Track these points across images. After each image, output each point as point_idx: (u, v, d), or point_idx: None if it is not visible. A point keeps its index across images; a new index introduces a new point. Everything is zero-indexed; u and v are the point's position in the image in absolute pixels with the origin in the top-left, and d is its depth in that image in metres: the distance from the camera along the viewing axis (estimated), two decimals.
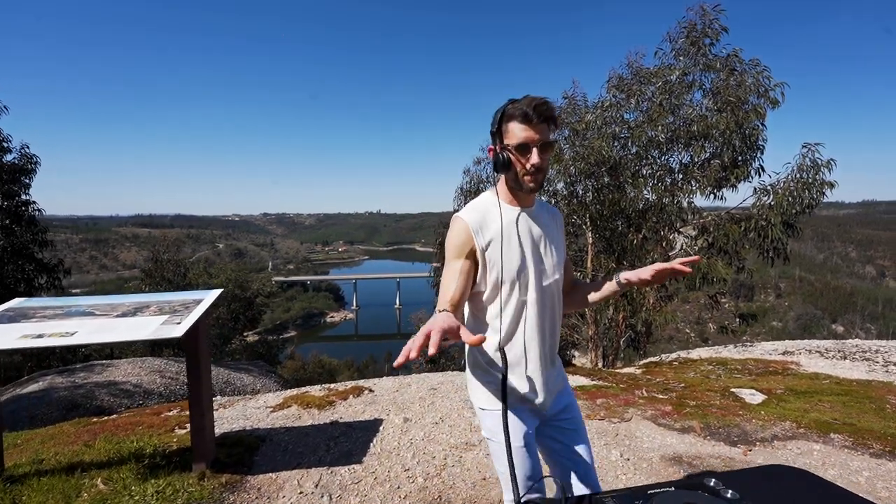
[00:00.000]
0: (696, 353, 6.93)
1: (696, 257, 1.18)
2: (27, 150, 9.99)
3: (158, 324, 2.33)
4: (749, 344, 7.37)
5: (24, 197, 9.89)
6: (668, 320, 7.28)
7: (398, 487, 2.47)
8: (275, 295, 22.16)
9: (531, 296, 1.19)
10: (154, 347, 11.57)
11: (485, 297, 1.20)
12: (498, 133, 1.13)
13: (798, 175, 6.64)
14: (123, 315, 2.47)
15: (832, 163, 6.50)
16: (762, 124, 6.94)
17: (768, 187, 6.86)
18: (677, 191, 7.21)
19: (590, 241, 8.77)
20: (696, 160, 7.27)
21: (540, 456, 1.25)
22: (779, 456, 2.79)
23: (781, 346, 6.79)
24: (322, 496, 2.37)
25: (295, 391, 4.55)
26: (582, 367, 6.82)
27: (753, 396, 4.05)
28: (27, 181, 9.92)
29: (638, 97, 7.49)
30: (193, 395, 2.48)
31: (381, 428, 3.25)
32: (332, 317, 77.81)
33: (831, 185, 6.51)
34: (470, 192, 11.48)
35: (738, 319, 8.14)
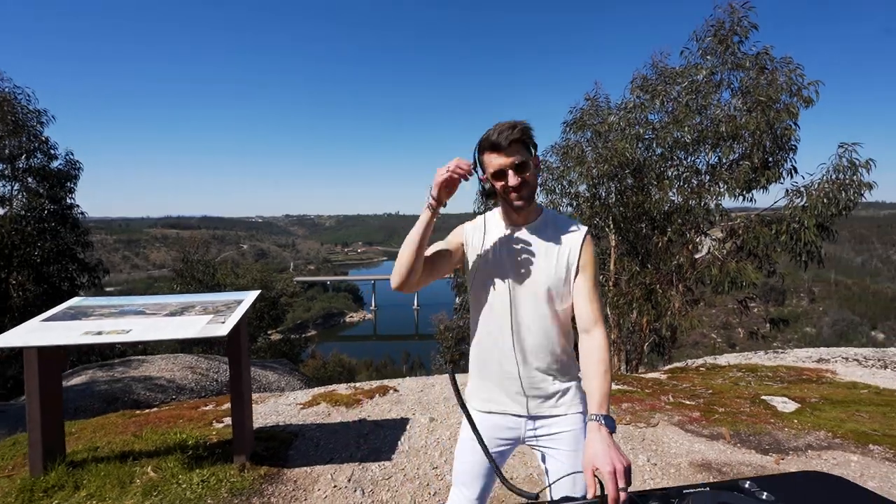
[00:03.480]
0: (723, 360, 6.76)
1: None
2: (71, 157, 10.62)
3: (204, 323, 2.47)
4: (781, 351, 7.13)
5: (68, 201, 10.50)
6: (695, 325, 7.11)
7: (427, 485, 2.54)
8: (297, 295, 22.64)
9: (504, 306, 1.22)
10: (185, 344, 11.95)
11: (470, 297, 1.31)
12: (480, 164, 1.21)
13: (834, 176, 6.41)
14: (171, 314, 2.64)
15: (871, 163, 6.24)
16: (795, 124, 6.73)
17: (801, 189, 6.64)
18: (704, 192, 7.05)
19: (612, 243, 8.68)
20: (724, 161, 7.11)
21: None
22: (813, 465, 2.73)
23: (816, 353, 6.55)
24: (355, 490, 2.47)
25: (322, 389, 4.70)
26: None
27: (785, 405, 3.94)
28: (72, 186, 10.53)
29: (663, 98, 7.38)
30: (235, 390, 2.62)
31: (407, 427, 3.34)
32: (351, 317, 78.87)
33: (870, 186, 6.26)
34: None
35: (768, 324, 7.85)
